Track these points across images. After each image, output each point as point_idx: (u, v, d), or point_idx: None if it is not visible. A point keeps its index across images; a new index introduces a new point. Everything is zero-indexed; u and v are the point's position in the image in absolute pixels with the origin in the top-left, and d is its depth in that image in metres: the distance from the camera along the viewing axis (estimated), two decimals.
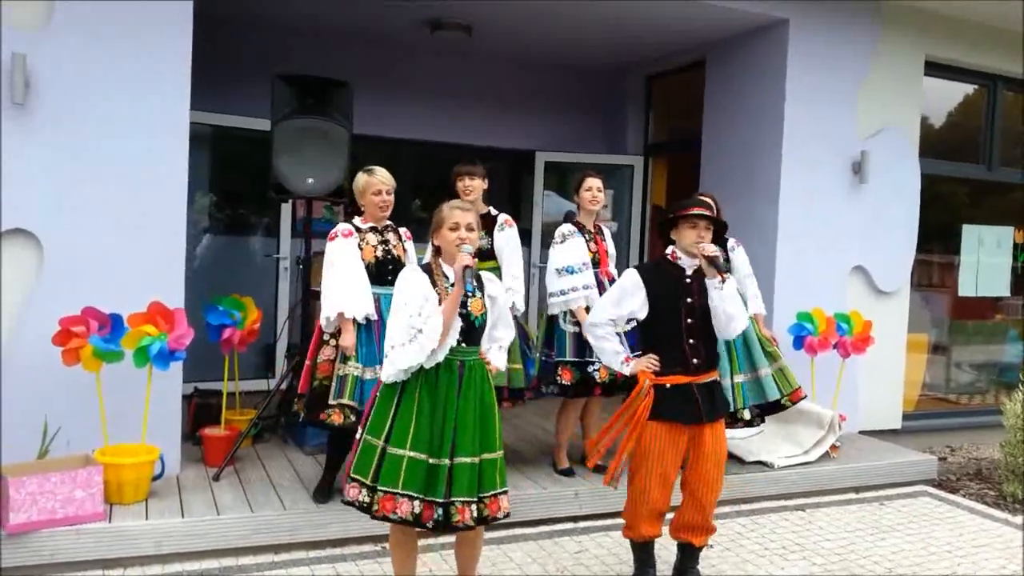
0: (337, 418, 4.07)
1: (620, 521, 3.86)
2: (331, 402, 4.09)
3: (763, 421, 5.04)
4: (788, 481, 5.26)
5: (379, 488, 3.09)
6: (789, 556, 4.35)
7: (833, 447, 5.57)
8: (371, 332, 4.17)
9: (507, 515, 3.27)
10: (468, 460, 3.11)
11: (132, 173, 4.39)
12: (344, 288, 4.11)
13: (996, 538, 4.77)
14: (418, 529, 3.18)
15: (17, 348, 4.21)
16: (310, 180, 4.96)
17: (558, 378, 4.76)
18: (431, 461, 3.09)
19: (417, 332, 3.04)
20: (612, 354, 3.73)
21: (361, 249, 4.21)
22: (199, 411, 5.25)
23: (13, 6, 4.15)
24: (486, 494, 3.17)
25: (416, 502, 3.07)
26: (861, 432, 6.37)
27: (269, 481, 4.58)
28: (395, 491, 3.07)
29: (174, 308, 4.30)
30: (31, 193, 4.20)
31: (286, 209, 7.00)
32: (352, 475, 3.17)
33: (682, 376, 3.57)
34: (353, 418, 4.04)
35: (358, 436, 3.24)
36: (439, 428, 3.11)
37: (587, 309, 4.62)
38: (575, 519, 4.65)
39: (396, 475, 3.07)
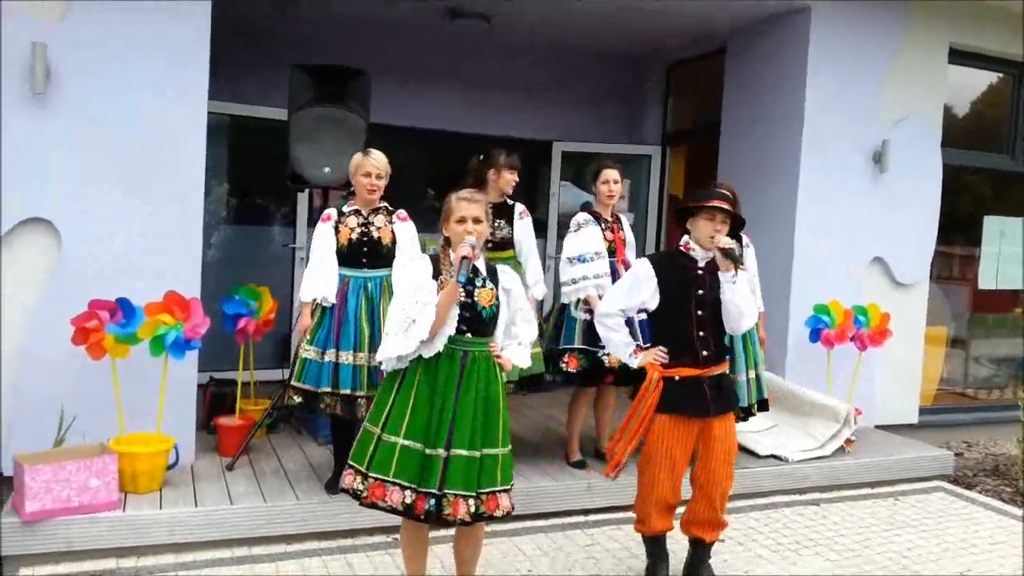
0: (288, 398, 4.19)
1: (632, 515, 3.85)
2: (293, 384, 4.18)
3: (753, 415, 5.03)
4: (802, 475, 5.23)
5: (370, 475, 3.07)
6: (802, 551, 4.33)
7: (848, 441, 5.53)
8: (332, 316, 4.18)
9: (508, 514, 3.19)
10: (465, 453, 3.05)
11: (149, 161, 4.39)
12: (309, 272, 4.23)
13: (1013, 535, 4.73)
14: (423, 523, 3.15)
15: (34, 337, 4.24)
16: (327, 169, 4.96)
17: (563, 365, 4.73)
18: (427, 451, 3.06)
19: (411, 322, 3.01)
20: (621, 345, 3.71)
21: (338, 232, 4.22)
22: (214, 401, 5.28)
23: None
24: (484, 490, 3.11)
25: (408, 491, 3.03)
26: (877, 426, 6.32)
27: (282, 471, 4.61)
28: (386, 479, 3.04)
29: (190, 297, 4.32)
30: (48, 181, 4.22)
31: (303, 198, 7.01)
32: (349, 462, 3.16)
33: (691, 368, 3.54)
34: (298, 399, 4.13)
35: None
36: (436, 417, 3.07)
37: (600, 297, 4.62)
38: (587, 512, 4.65)
39: (388, 463, 3.05)
